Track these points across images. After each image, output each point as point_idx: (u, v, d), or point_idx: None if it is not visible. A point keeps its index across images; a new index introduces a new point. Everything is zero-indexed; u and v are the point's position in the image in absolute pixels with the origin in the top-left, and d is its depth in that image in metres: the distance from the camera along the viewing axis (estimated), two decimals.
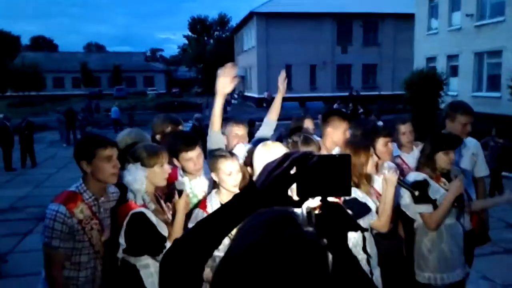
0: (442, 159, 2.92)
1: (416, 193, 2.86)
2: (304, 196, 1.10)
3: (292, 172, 1.05)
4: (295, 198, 1.08)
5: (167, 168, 2.51)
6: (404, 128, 3.50)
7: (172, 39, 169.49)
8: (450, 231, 2.97)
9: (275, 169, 1.06)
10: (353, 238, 2.52)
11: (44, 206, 8.35)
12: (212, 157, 2.57)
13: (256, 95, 35.27)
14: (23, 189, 10.00)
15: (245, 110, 31.73)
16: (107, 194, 2.46)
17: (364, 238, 2.50)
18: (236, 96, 40.98)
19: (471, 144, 3.52)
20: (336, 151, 3.01)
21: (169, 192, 2.63)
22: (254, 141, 3.12)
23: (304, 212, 1.13)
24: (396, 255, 3.02)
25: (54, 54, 65.37)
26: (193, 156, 2.67)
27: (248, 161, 2.65)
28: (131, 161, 2.43)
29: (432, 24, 22.26)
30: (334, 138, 3.09)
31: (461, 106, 3.42)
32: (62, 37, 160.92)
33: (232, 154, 2.56)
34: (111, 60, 59.54)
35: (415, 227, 3.06)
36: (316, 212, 1.13)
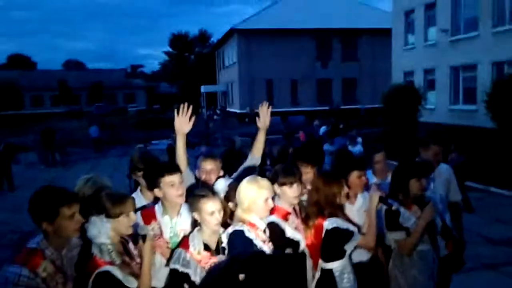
0: (414, 186, 3.01)
1: (393, 207, 2.94)
2: None
3: (240, 278, 0.92)
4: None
5: (133, 216, 2.41)
6: (378, 157, 3.57)
7: (153, 55, 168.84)
8: (421, 257, 3.03)
9: (221, 276, 0.93)
10: None
11: (24, 232, 8.08)
12: (192, 197, 2.54)
13: (238, 110, 35.38)
14: (0, 215, 9.75)
15: (227, 126, 31.76)
16: (69, 244, 2.35)
17: None
18: (218, 111, 41.05)
19: (444, 170, 3.62)
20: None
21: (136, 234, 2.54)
22: (236, 176, 3.16)
23: None
24: (378, 282, 3.05)
25: (32, 72, 64.38)
26: (176, 181, 2.63)
27: (230, 196, 2.66)
28: (94, 213, 2.32)
29: (409, 39, 22.76)
30: None
31: (435, 136, 3.55)
32: (40, 54, 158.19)
33: (213, 193, 2.52)
34: (90, 77, 59.09)
35: (393, 249, 3.12)
36: None
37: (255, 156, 3.36)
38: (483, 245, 6.79)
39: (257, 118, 3.32)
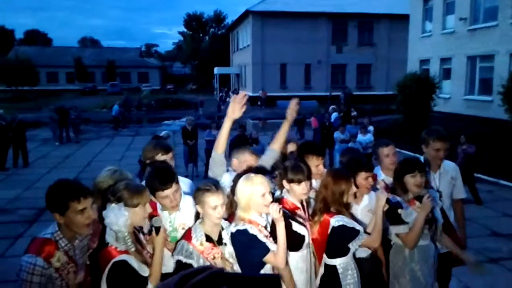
0: (409, 182, 3.04)
1: (399, 210, 2.97)
2: None
3: None
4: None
5: (149, 207, 2.47)
6: (387, 151, 3.50)
7: (168, 34, 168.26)
8: (422, 252, 3.07)
9: None
10: None
11: (36, 208, 8.30)
12: (197, 190, 2.59)
13: (250, 93, 35.26)
14: (14, 190, 9.99)
15: None
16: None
17: None
18: (231, 94, 41.01)
19: (450, 167, 3.61)
20: (313, 182, 3.09)
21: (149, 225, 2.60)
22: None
23: None
24: (377, 278, 3.11)
25: (48, 49, 64.89)
26: (169, 194, 2.64)
27: (234, 189, 2.70)
28: (112, 200, 2.38)
29: (426, 26, 22.36)
30: None
31: (435, 132, 3.48)
32: (56, 30, 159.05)
33: (217, 187, 2.56)
34: (105, 55, 59.28)
35: (392, 244, 3.16)
36: None
37: (273, 149, 3.25)
38: (489, 238, 6.81)
39: (291, 107, 3.25)
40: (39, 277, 2.17)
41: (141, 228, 2.61)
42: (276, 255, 2.46)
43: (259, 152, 3.38)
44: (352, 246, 2.75)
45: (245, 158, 3.11)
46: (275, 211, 2.45)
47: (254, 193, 2.50)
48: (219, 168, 3.08)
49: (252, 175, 2.60)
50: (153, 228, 2.52)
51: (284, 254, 2.48)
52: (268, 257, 2.47)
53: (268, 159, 3.20)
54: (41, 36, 79.55)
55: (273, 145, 3.26)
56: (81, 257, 2.42)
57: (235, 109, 3.00)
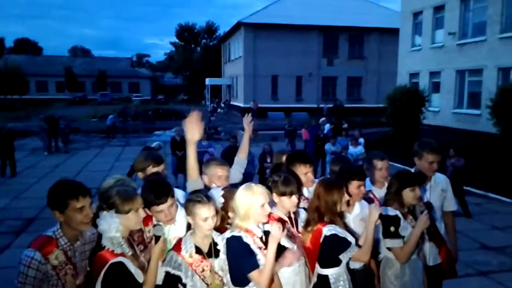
0: (408, 195, 3.06)
1: (392, 228, 2.97)
2: None
3: None
4: None
5: (142, 212, 2.45)
6: (381, 165, 3.51)
7: (160, 45, 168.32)
8: (412, 266, 3.08)
9: None
10: None
11: (23, 219, 8.20)
12: (188, 201, 2.56)
13: (241, 105, 35.36)
14: (2, 200, 9.83)
15: (230, 120, 31.81)
16: (84, 237, 2.44)
17: None
18: (222, 105, 41.08)
19: (440, 180, 3.64)
20: (305, 191, 3.08)
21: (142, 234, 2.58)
22: (230, 185, 3.15)
23: None
24: None
25: (38, 58, 64.49)
26: (164, 209, 2.56)
27: (226, 207, 2.67)
28: (105, 207, 2.39)
29: (416, 40, 22.68)
30: None
31: (428, 145, 3.51)
32: (47, 39, 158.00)
33: (208, 199, 2.53)
34: (96, 65, 59.13)
35: (379, 259, 3.16)
36: None
37: (240, 158, 3.51)
38: (478, 251, 6.83)
39: (245, 121, 3.57)
40: (35, 271, 2.21)
41: (141, 232, 2.58)
42: (262, 273, 2.41)
43: (250, 163, 3.44)
44: (343, 258, 2.73)
45: (213, 172, 3.07)
46: (275, 230, 2.41)
47: (254, 203, 2.48)
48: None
49: (253, 184, 2.58)
50: (154, 237, 2.52)
51: (269, 274, 2.43)
52: (253, 273, 2.42)
53: (239, 167, 3.43)
54: (31, 44, 79.08)
55: (240, 154, 3.54)
56: (80, 261, 2.42)
57: (193, 131, 2.93)
